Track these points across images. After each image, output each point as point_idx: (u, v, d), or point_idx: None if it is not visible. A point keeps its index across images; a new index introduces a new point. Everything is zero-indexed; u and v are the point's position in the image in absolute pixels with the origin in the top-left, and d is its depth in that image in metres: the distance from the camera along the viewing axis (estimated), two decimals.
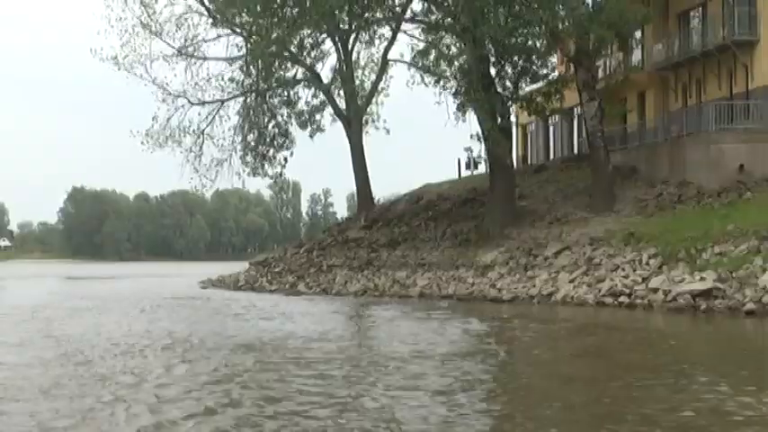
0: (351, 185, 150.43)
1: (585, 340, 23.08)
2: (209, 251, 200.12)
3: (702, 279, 30.25)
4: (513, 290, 35.80)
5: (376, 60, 53.86)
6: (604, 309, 31.22)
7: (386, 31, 51.20)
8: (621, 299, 31.67)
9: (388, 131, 54.59)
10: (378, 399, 13.48)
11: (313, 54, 50.77)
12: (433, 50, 42.85)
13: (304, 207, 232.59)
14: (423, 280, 40.24)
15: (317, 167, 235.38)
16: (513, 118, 50.27)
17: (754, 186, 37.85)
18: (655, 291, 31.04)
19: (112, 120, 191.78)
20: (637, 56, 48.46)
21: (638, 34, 47.23)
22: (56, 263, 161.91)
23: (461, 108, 42.15)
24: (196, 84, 51.72)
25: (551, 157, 54.54)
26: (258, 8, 40.65)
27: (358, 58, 54.13)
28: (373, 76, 53.92)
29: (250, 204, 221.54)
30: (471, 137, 43.11)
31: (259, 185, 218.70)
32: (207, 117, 51.60)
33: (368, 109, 53.60)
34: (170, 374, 16.21)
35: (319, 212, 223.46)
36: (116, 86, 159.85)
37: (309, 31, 44.25)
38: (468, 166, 58.63)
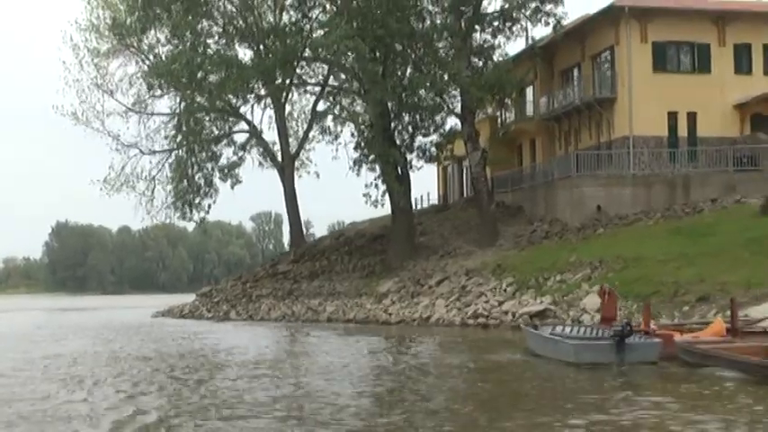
0: (333, 215, 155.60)
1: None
2: (191, 283, 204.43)
3: (541, 302, 36.86)
4: (401, 314, 41.99)
5: (307, 112, 60.63)
6: (467, 329, 37.38)
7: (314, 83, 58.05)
8: (480, 320, 37.90)
9: (318, 175, 61.35)
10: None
11: (248, 108, 57.61)
12: (330, 114, 50.01)
13: (286, 238, 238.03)
14: (331, 306, 46.55)
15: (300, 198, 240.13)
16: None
17: (608, 224, 44.42)
18: (506, 313, 37.36)
19: (90, 152, 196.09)
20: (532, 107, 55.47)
21: (530, 89, 54.34)
22: (41, 297, 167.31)
23: (357, 163, 49.10)
24: (147, 135, 58.95)
25: (465, 195, 61.20)
26: (184, 79, 47.45)
27: (292, 110, 61.23)
28: (305, 125, 60.67)
29: (232, 236, 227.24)
30: (366, 186, 49.73)
31: (241, 217, 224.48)
32: (157, 164, 58.72)
33: (300, 155, 60.40)
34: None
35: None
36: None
37: (231, 96, 50.97)
38: None
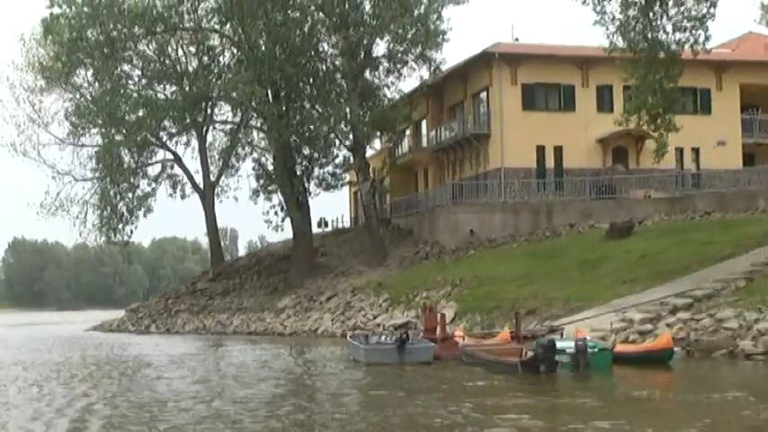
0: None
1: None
2: (146, 298, 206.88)
3: (406, 316, 42.57)
4: (294, 327, 47.48)
5: (227, 142, 66.18)
6: (345, 339, 42.97)
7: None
8: (357, 331, 43.71)
9: (236, 199, 67.16)
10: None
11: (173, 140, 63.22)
12: (234, 150, 55.98)
13: (241, 252, 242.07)
14: (237, 320, 52.07)
15: (255, 215, 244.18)
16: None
17: (479, 246, 50.14)
18: (378, 325, 43.03)
19: (42, 171, 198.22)
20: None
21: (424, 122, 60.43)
22: None
23: (255, 193, 55.15)
24: (81, 163, 64.63)
25: None
26: (102, 120, 53.11)
27: (213, 140, 66.97)
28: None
29: (187, 252, 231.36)
30: (265, 213, 55.74)
31: (197, 234, 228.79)
32: (89, 190, 64.34)
33: (220, 182, 66.02)
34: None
35: None
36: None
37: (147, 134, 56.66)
38: (321, 225, 71.04)
